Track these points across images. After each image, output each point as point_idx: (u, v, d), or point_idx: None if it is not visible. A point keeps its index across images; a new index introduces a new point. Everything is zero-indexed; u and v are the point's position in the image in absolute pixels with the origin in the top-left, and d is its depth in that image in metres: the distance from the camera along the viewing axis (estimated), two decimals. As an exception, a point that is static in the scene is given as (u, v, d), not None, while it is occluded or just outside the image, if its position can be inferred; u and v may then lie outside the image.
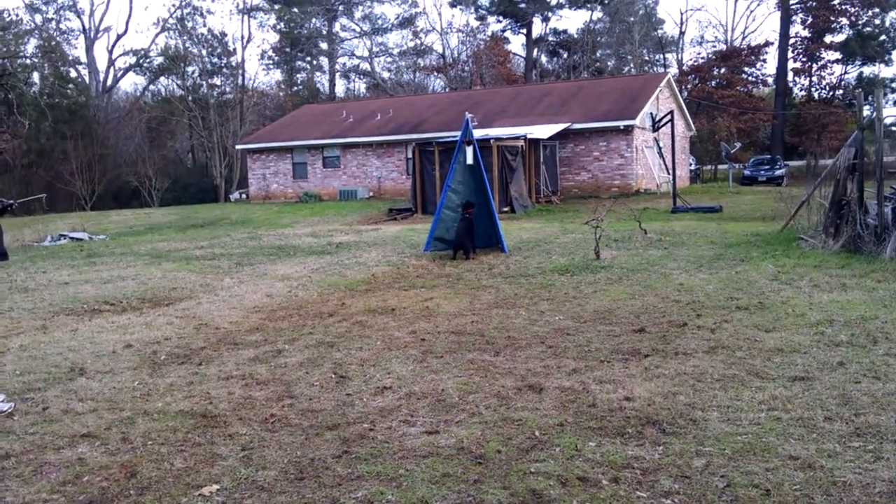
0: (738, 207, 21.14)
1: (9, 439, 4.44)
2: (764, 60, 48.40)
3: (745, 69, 47.01)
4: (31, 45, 49.55)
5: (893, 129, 38.39)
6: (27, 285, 10.83)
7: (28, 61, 47.38)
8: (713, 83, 45.79)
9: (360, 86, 64.17)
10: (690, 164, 36.27)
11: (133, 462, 4.01)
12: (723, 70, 46.25)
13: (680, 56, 56.54)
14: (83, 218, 28.43)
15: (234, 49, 62.87)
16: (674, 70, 52.32)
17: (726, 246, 12.22)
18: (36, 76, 48.75)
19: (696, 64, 48.96)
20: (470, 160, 12.65)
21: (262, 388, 5.35)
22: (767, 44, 47.20)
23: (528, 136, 23.94)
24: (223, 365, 6.06)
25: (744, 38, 53.78)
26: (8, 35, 46.20)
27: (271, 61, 62.03)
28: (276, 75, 64.10)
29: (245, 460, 4.01)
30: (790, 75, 47.77)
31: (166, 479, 3.79)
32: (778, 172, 34.45)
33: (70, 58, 52.63)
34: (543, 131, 25.25)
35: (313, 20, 60.36)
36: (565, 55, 59.53)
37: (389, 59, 62.89)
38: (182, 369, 5.97)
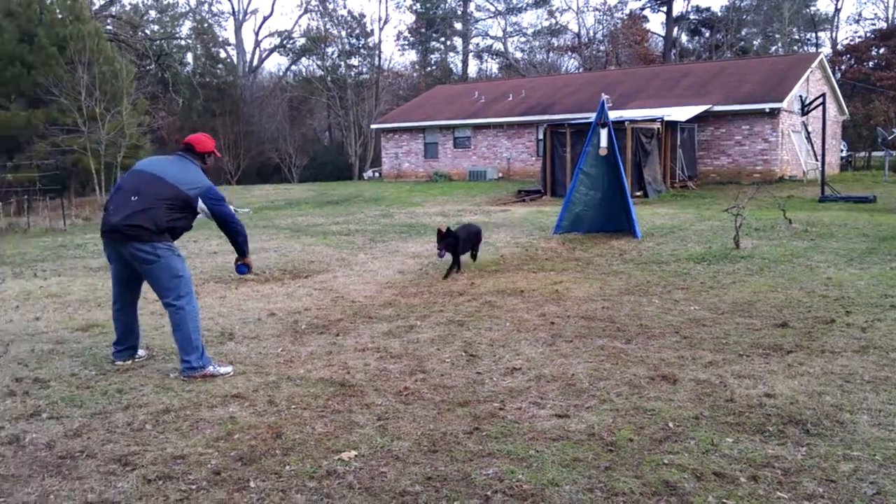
0: (893, 198, 19.62)
1: (168, 395, 4.83)
2: (931, 39, 44.42)
3: (909, 49, 43.32)
4: (186, 27, 52.83)
5: None
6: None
7: (182, 42, 50.58)
8: (871, 64, 42.50)
9: (493, 66, 64.16)
10: (841, 151, 33.92)
11: (278, 424, 4.26)
12: (882, 50, 42.81)
13: (834, 35, 52.98)
14: (229, 191, 30.13)
15: (372, 30, 64.44)
16: (826, 49, 49.01)
17: (880, 239, 11.40)
18: (189, 56, 52.01)
19: (851, 43, 45.59)
20: (604, 143, 12.41)
21: (395, 361, 5.53)
22: (936, 20, 43.33)
23: (665, 119, 23.17)
24: (359, 337, 6.30)
25: (908, 15, 49.57)
26: (165, 17, 49.41)
27: (406, 42, 63.12)
28: (411, 56, 65.18)
29: (381, 430, 4.17)
30: (961, 55, 43.58)
31: (308, 441, 4.00)
32: (942, 161, 31.61)
33: (220, 39, 55.66)
34: (681, 113, 24.35)
35: (449, 0, 60.78)
36: (707, 34, 57.03)
37: (523, 40, 62.56)
38: (321, 339, 6.26)
